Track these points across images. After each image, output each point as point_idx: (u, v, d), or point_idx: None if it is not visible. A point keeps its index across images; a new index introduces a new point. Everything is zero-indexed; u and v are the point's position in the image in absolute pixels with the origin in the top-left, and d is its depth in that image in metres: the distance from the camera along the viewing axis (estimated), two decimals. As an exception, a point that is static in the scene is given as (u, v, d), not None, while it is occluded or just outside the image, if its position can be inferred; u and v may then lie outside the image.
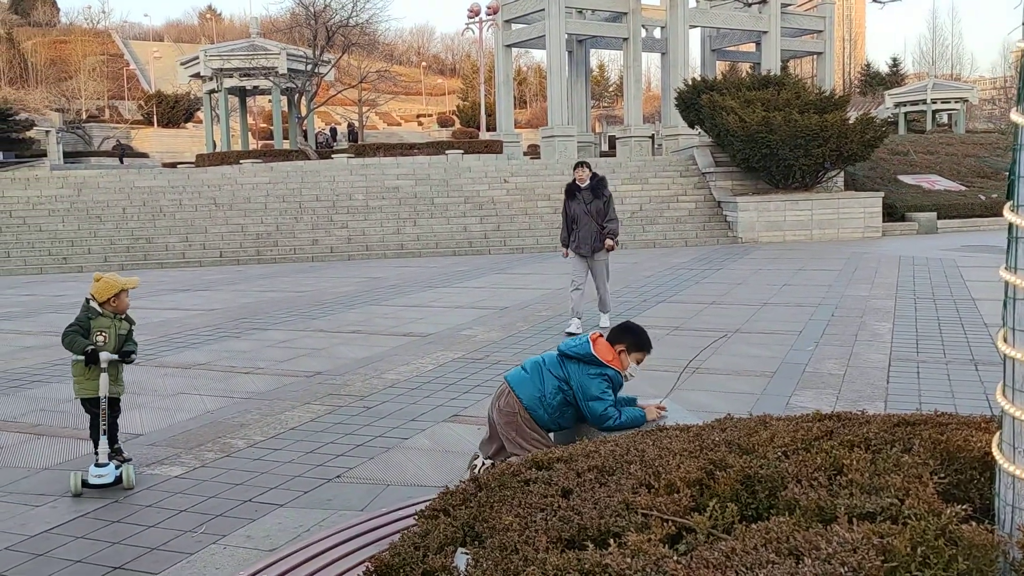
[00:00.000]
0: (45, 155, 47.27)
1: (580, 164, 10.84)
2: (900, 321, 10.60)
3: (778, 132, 21.74)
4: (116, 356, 5.55)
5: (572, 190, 10.60)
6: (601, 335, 4.65)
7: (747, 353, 8.98)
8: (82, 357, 5.43)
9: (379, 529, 3.65)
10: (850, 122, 22.16)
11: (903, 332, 9.89)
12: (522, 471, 2.94)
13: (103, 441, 5.45)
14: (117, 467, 5.47)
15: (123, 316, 5.69)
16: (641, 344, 4.65)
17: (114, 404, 5.72)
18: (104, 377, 5.48)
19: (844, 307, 11.74)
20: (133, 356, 5.68)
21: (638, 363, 4.55)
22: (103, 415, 5.47)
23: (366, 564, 2.89)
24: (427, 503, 3.94)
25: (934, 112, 54.09)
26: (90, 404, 5.55)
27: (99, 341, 5.53)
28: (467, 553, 2.34)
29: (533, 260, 19.94)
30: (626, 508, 2.38)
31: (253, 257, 21.47)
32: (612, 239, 10.59)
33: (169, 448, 6.23)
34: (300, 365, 9.06)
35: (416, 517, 2.83)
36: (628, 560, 2.01)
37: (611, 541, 2.16)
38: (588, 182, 10.54)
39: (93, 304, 5.58)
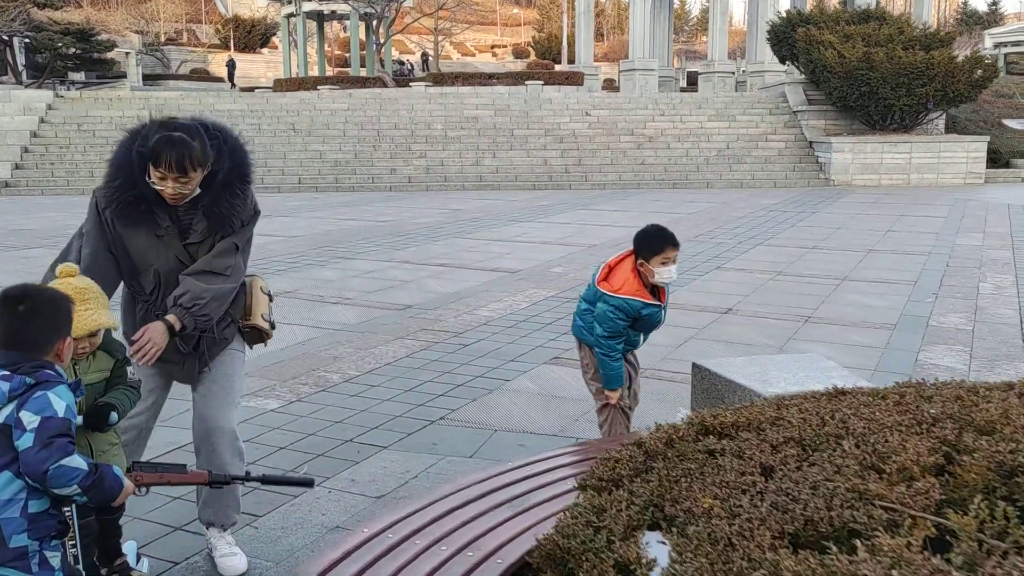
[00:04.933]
0: (125, 76, 47.70)
1: (167, 140, 3.07)
2: None
3: (879, 69, 20.56)
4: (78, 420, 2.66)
5: (137, 204, 3.22)
6: (627, 257, 4.14)
7: (861, 303, 8.41)
8: None
9: (511, 487, 3.28)
10: (958, 60, 20.84)
11: (1029, 286, 9.19)
12: (700, 438, 2.54)
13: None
14: None
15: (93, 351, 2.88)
16: (650, 246, 4.01)
17: None
18: None
19: (958, 256, 11.01)
20: (114, 414, 2.79)
21: (663, 265, 3.96)
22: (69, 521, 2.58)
23: (534, 540, 2.54)
24: (562, 459, 3.60)
25: (1037, 54, 51.10)
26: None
27: None
28: (664, 542, 1.95)
29: (616, 196, 19.34)
30: (859, 498, 1.95)
31: (331, 185, 21.29)
32: (191, 314, 3.22)
33: (263, 379, 5.99)
34: (388, 297, 8.77)
35: (579, 487, 2.45)
36: (891, 572, 1.59)
37: (857, 543, 1.74)
38: (194, 192, 3.20)
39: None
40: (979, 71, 20.89)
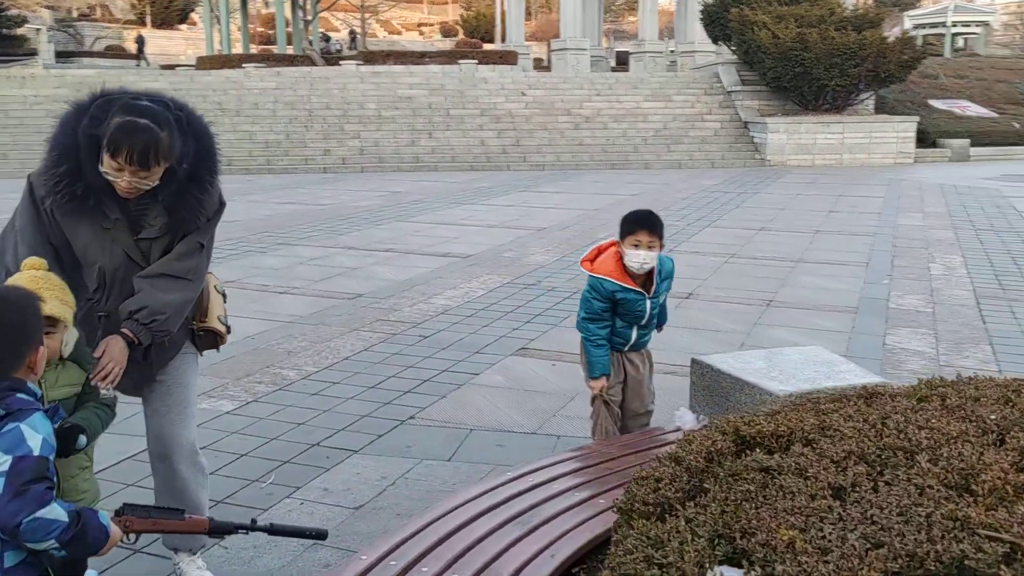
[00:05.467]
0: (36, 54, 45.57)
1: (131, 128, 2.60)
2: (969, 254, 9.97)
3: (813, 50, 20.72)
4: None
5: (86, 196, 2.73)
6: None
7: (818, 285, 8.37)
8: None
9: (515, 500, 3.03)
10: (889, 41, 21.13)
11: (978, 266, 9.27)
12: (744, 452, 2.32)
13: None
14: None
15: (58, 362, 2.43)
16: (625, 227, 3.85)
17: None
18: None
19: (903, 237, 11.10)
20: (82, 438, 2.31)
21: (634, 248, 3.78)
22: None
23: (552, 563, 2.31)
24: (563, 467, 3.36)
25: (952, 35, 52.46)
26: None
27: None
28: (748, 584, 1.72)
29: (556, 177, 19.15)
30: (960, 526, 1.75)
31: (263, 167, 20.60)
32: (148, 330, 2.81)
33: (215, 378, 5.60)
34: (338, 286, 8.41)
35: (620, 512, 2.21)
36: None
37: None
38: (152, 179, 2.71)
39: None
40: (908, 52, 21.23)
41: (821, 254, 9.96)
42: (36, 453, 1.87)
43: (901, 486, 1.96)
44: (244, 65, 29.06)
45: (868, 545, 1.73)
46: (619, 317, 3.96)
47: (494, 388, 5.48)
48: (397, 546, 2.73)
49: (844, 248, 10.34)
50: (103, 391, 2.52)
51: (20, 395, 1.95)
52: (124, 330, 2.77)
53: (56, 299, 2.42)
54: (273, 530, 2.34)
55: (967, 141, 23.11)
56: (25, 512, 1.81)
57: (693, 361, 3.76)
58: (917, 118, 22.60)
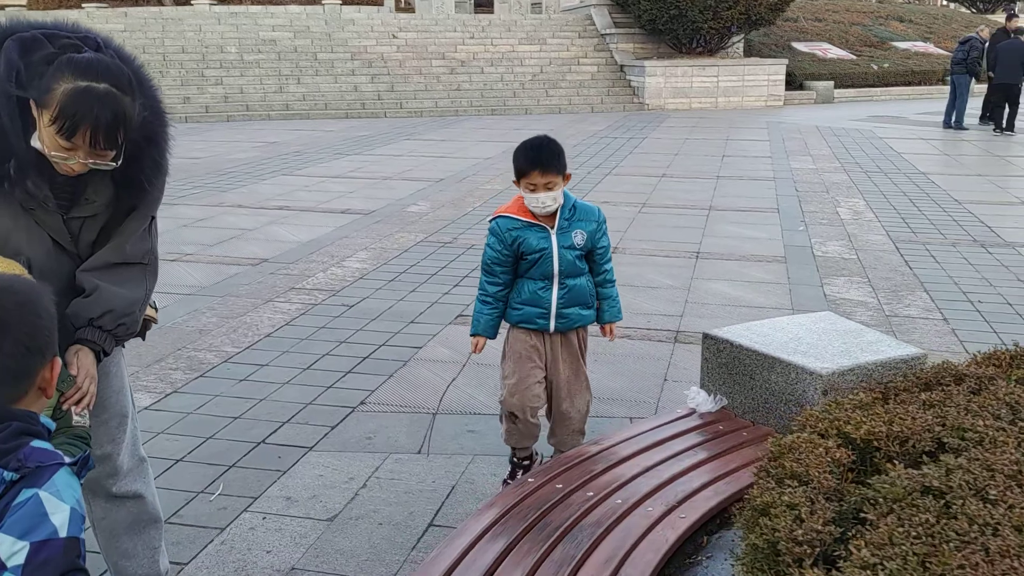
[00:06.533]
0: None
1: (89, 96, 1.95)
2: (870, 197, 10.10)
3: (688, -8, 20.68)
4: None
5: (22, 179, 2.10)
6: None
7: (740, 235, 8.23)
8: None
9: (546, 519, 2.61)
10: (759, -17, 21.31)
11: (882, 210, 9.37)
12: (862, 459, 1.97)
13: None
14: None
15: None
16: (516, 166, 3.33)
17: None
18: None
19: (801, 181, 11.16)
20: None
21: (531, 192, 3.28)
22: None
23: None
24: (582, 469, 2.94)
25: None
26: None
27: None
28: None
29: (437, 124, 18.47)
30: None
31: (117, 116, 18.98)
32: (113, 336, 2.28)
33: (122, 367, 4.88)
34: (236, 250, 7.66)
35: (752, 549, 1.82)
36: None
37: None
38: (116, 158, 2.09)
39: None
40: (778, -6, 21.50)
41: (730, 200, 9.86)
42: (63, 535, 1.32)
43: (1118, 511, 1.65)
44: (84, 5, 26.72)
45: None
46: (529, 277, 3.40)
47: (443, 363, 5.01)
48: (439, 588, 2.27)
49: (750, 194, 10.28)
50: (76, 418, 1.94)
51: (36, 443, 1.38)
52: (88, 339, 2.17)
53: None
54: None
55: (831, 83, 23.76)
56: None
57: (706, 336, 3.40)
58: (786, 60, 23.03)
